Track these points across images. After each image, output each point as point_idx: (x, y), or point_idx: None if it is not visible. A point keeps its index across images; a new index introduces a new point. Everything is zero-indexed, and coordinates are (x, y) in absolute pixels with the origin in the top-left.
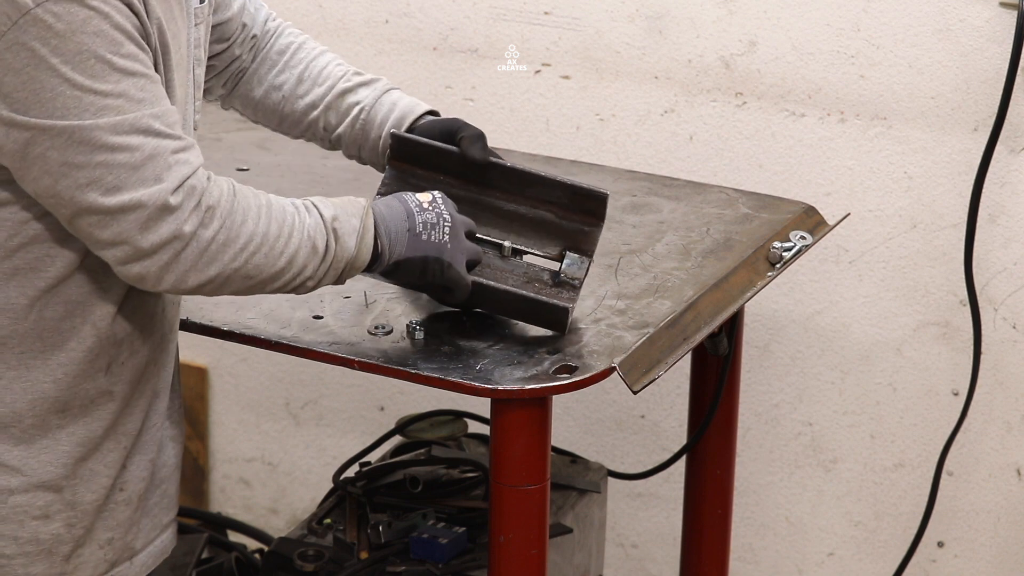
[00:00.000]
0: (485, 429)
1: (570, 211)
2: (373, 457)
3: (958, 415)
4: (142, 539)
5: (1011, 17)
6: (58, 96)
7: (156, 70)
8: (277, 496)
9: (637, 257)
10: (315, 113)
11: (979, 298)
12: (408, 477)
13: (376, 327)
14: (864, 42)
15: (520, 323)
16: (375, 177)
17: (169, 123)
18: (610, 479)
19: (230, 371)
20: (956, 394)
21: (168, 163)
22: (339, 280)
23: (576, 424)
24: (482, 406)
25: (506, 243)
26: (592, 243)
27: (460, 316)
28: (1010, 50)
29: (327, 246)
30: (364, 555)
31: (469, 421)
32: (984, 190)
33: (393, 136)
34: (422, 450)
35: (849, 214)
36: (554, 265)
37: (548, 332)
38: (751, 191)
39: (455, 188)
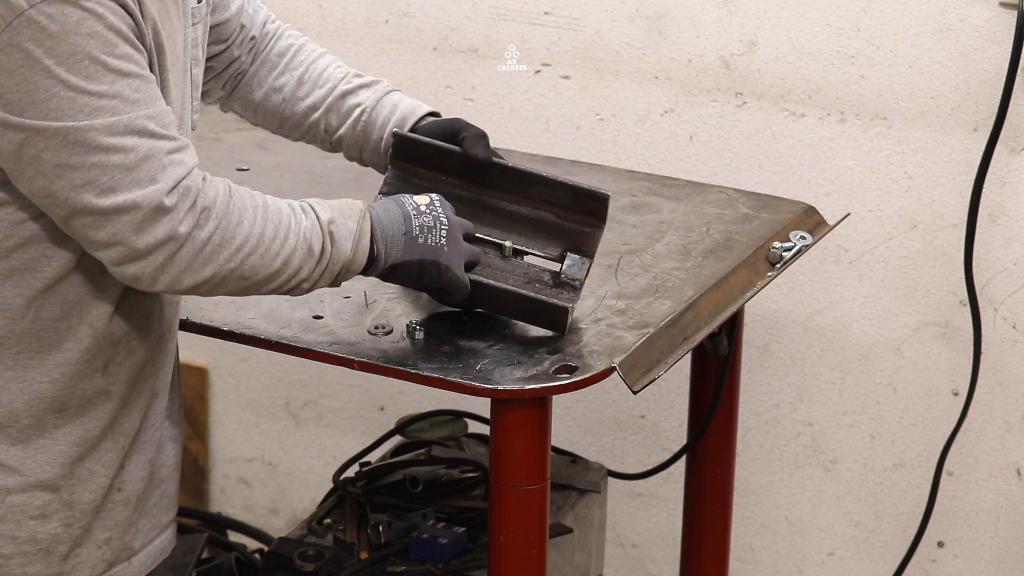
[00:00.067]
0: (485, 429)
1: (571, 212)
2: (373, 457)
3: (958, 415)
4: (141, 539)
5: (1011, 17)
6: (52, 97)
7: (151, 70)
8: (277, 496)
9: (637, 257)
10: (316, 115)
11: (979, 298)
12: (408, 477)
13: (376, 327)
14: (864, 42)
15: (520, 323)
16: (375, 178)
17: (164, 124)
18: (610, 479)
19: (230, 371)
20: (956, 394)
21: (163, 164)
22: (335, 283)
23: (576, 424)
24: (482, 406)
25: (507, 243)
26: (593, 244)
27: (460, 316)
28: (1010, 50)
29: (323, 248)
30: (364, 555)
31: (469, 421)
32: (984, 190)
33: (396, 135)
34: (422, 450)
35: (849, 214)
36: (555, 266)
37: (548, 332)
38: (751, 191)
39: (457, 188)
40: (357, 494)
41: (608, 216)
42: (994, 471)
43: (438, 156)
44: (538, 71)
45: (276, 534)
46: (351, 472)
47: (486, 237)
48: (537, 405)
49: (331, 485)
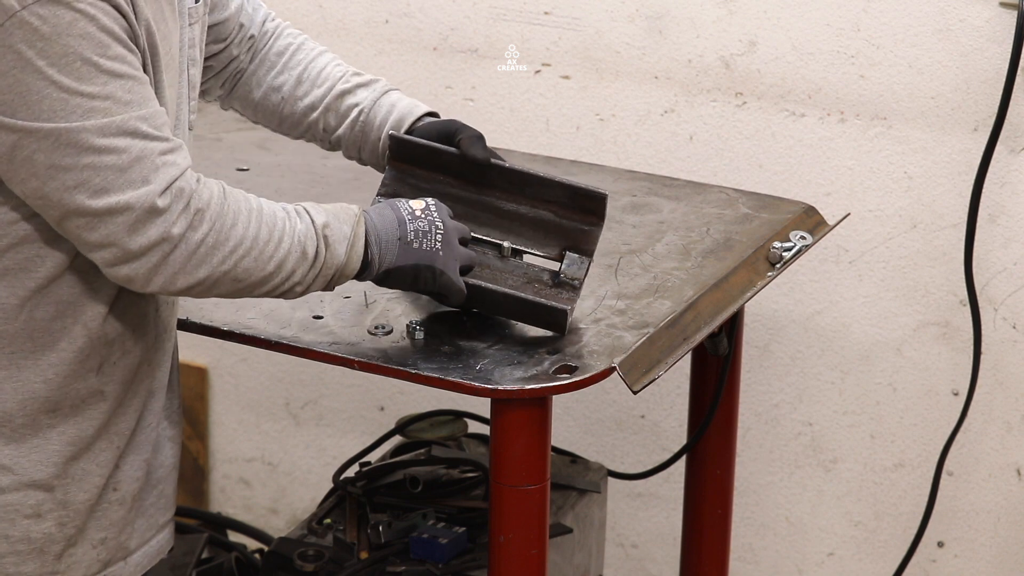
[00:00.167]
0: (485, 429)
1: (570, 211)
2: (373, 457)
3: (958, 415)
4: (137, 539)
5: (1011, 17)
6: (45, 99)
7: (145, 71)
8: (277, 496)
9: (637, 257)
10: (314, 115)
11: (979, 298)
12: (408, 477)
13: (376, 327)
14: (864, 42)
15: (520, 323)
16: (375, 177)
17: (157, 125)
18: (610, 479)
19: (230, 371)
20: (956, 394)
21: (155, 165)
22: (328, 287)
23: (576, 424)
24: (482, 406)
25: (505, 243)
26: (592, 243)
27: (460, 316)
28: (1010, 50)
29: (317, 252)
30: (364, 555)
31: (469, 421)
32: (984, 190)
33: (391, 137)
34: (422, 450)
35: (849, 214)
36: (554, 265)
37: (548, 332)
38: (751, 191)
39: (454, 188)
40: (357, 494)
41: (608, 216)
42: (994, 471)
43: (435, 157)
44: (538, 71)
45: (276, 534)
46: (351, 472)
47: (484, 237)
48: (537, 405)
49: (331, 485)
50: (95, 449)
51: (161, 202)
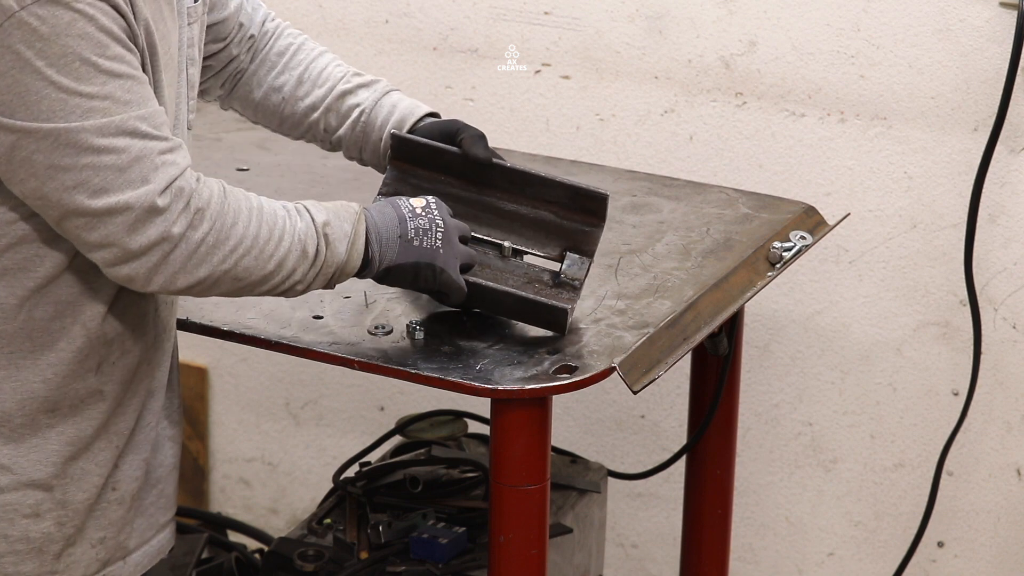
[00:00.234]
0: (485, 429)
1: (571, 211)
2: (373, 457)
3: (958, 415)
4: (136, 538)
5: (1011, 17)
6: (44, 99)
7: (144, 71)
8: (277, 496)
9: (637, 257)
10: (315, 115)
11: (979, 298)
12: (408, 477)
13: (376, 327)
14: (864, 42)
15: (520, 323)
16: (375, 177)
17: (156, 124)
18: (610, 479)
19: (230, 371)
20: (956, 394)
21: (155, 164)
22: (329, 285)
23: (576, 424)
24: (482, 406)
25: (506, 243)
26: (593, 244)
27: (460, 316)
28: (1010, 50)
29: (317, 250)
30: (364, 555)
31: (469, 421)
32: (984, 190)
33: (393, 136)
34: (422, 450)
35: (849, 214)
36: (554, 266)
37: (548, 332)
38: (751, 191)
39: (455, 188)
40: (357, 494)
41: (608, 216)
42: (994, 471)
43: (436, 156)
44: (538, 71)
45: (276, 534)
46: (351, 472)
47: (485, 237)
48: (537, 405)
49: (331, 485)
50: (94, 449)
51: (161, 201)
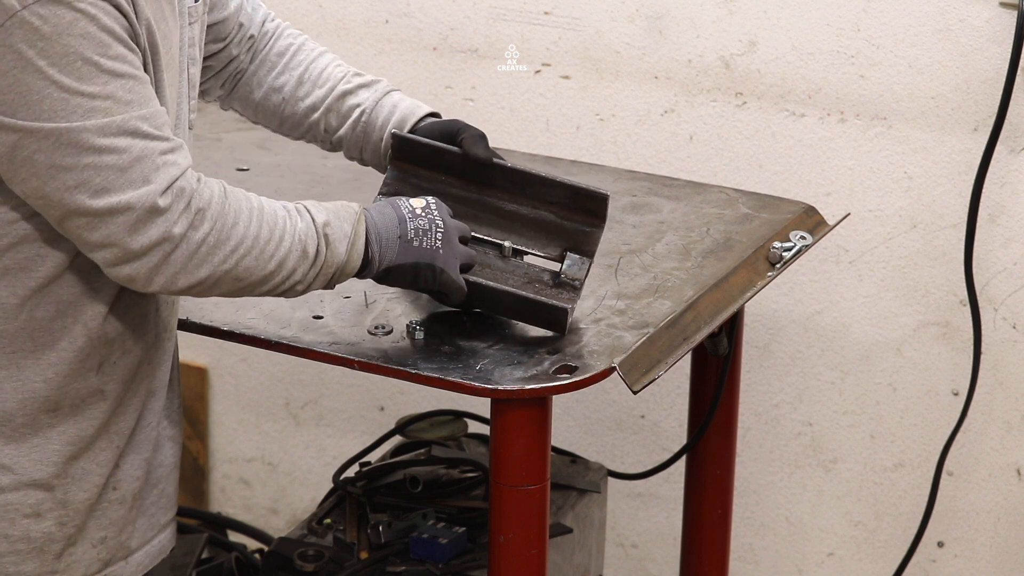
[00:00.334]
0: (485, 429)
1: (571, 212)
2: (373, 457)
3: (958, 415)
4: (138, 538)
5: (1011, 17)
6: (45, 98)
7: (145, 70)
8: (277, 496)
9: (637, 257)
10: (316, 115)
11: (979, 298)
12: (408, 477)
13: (376, 327)
14: (864, 42)
15: (520, 323)
16: (375, 177)
17: (157, 124)
18: (610, 479)
19: (230, 371)
20: (956, 394)
21: (156, 164)
22: (329, 285)
23: (576, 424)
24: (482, 406)
25: (506, 243)
26: (593, 244)
27: (460, 316)
28: (1010, 50)
29: (318, 251)
30: (364, 555)
31: (469, 421)
32: (984, 190)
33: (394, 136)
34: (422, 450)
35: (849, 214)
36: (555, 266)
37: (548, 332)
38: (751, 191)
39: (456, 188)
40: (357, 494)
41: (608, 216)
42: (994, 471)
43: (437, 156)
44: (538, 71)
45: (276, 534)
46: (351, 472)
47: (485, 237)
48: (537, 405)
49: (331, 485)
50: (95, 448)
51: (162, 202)
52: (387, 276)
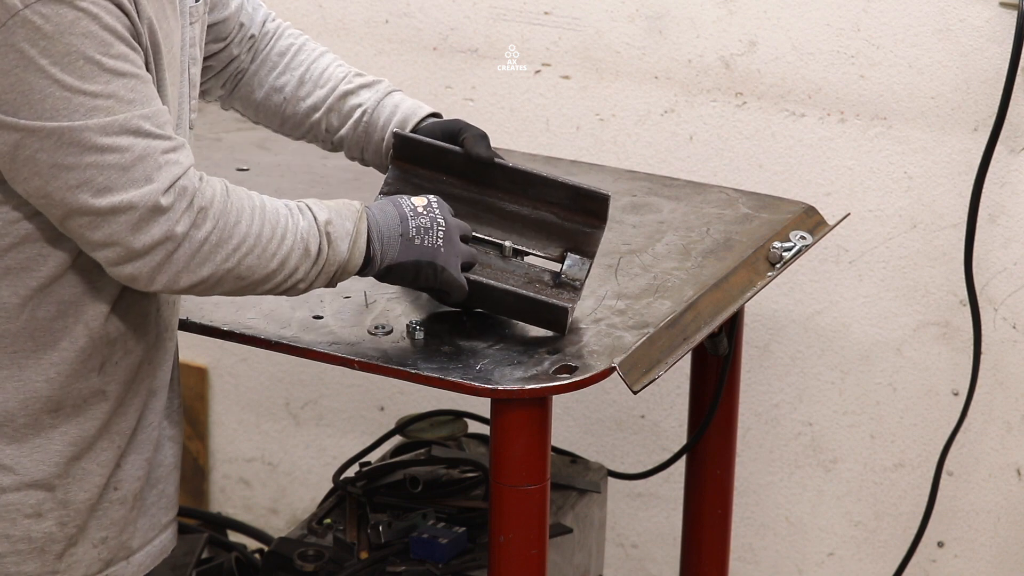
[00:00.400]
0: (485, 429)
1: (572, 212)
2: (373, 457)
3: (958, 415)
4: (139, 538)
5: (1011, 17)
6: (47, 97)
7: (147, 70)
8: (277, 496)
9: (637, 257)
10: (317, 115)
11: (979, 298)
12: (408, 477)
13: (376, 327)
14: (864, 42)
15: (520, 323)
16: (376, 177)
17: (159, 123)
18: (610, 479)
19: (230, 371)
20: (956, 394)
21: (158, 163)
22: (331, 283)
23: (576, 424)
24: (482, 406)
25: (507, 243)
26: (594, 244)
27: (460, 316)
28: (1010, 50)
29: (319, 249)
30: (364, 555)
31: (469, 421)
32: (984, 190)
33: (396, 135)
34: (422, 450)
35: (849, 214)
36: (555, 266)
37: (548, 332)
38: (751, 191)
39: (457, 188)
40: (357, 494)
41: (608, 216)
42: (994, 471)
43: (438, 156)
44: (538, 71)
45: (276, 534)
46: (351, 472)
47: (486, 237)
48: (537, 405)
49: (331, 485)
50: (96, 448)
51: (164, 201)
52: (388, 274)
